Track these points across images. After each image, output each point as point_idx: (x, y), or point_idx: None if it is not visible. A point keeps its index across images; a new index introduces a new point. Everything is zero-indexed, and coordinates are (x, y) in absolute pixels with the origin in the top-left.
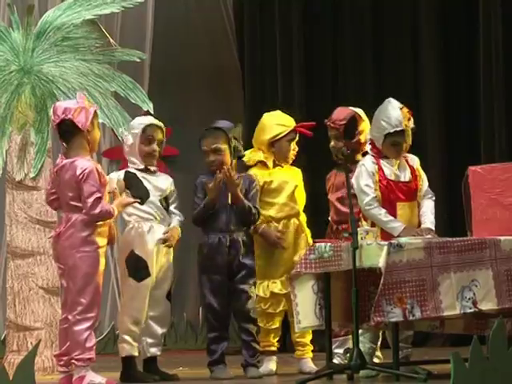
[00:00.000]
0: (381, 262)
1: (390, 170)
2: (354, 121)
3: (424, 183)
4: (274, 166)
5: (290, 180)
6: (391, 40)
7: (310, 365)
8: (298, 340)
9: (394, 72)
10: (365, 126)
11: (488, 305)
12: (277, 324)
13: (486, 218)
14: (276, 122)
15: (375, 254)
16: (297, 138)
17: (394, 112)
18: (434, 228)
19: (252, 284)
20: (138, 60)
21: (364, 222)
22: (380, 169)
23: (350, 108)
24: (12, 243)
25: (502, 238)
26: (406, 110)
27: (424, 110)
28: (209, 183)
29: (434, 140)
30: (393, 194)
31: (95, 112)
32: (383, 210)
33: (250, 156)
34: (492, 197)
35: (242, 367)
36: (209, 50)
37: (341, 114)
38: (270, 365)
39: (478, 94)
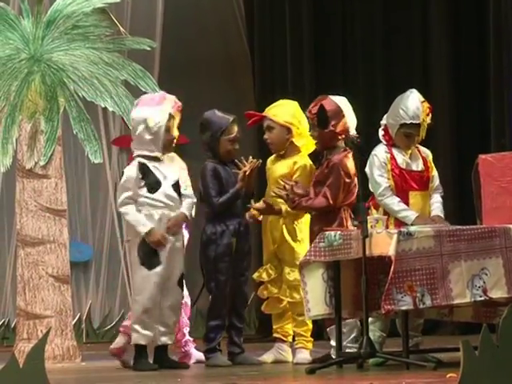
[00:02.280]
0: (391, 251)
1: (402, 158)
2: (323, 110)
3: (435, 177)
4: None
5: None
6: (401, 26)
7: (301, 356)
8: (295, 330)
9: (403, 60)
10: (347, 114)
11: (498, 293)
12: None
13: (495, 206)
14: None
15: (385, 243)
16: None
17: (414, 104)
18: (442, 215)
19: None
20: (148, 48)
21: (374, 211)
22: (392, 157)
23: (330, 97)
24: (22, 231)
25: None
26: (426, 104)
27: (434, 98)
28: (228, 171)
29: (444, 128)
30: (405, 183)
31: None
32: (396, 199)
33: None
34: (502, 185)
35: (228, 355)
36: (219, 37)
37: (314, 104)
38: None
39: (487, 83)
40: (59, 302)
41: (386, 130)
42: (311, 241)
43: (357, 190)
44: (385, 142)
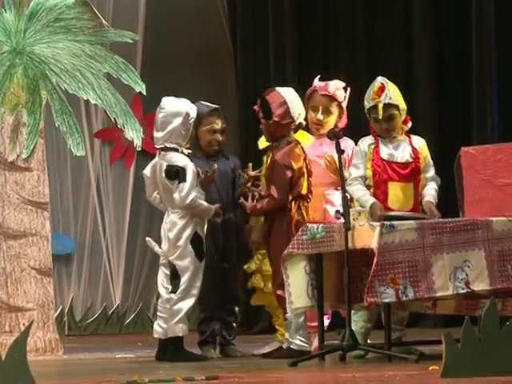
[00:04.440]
0: (373, 243)
1: (385, 149)
2: (265, 102)
3: (428, 166)
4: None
5: None
6: (383, 13)
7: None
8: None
9: (386, 46)
10: (292, 105)
11: (480, 285)
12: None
13: (478, 198)
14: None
15: (367, 235)
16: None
17: (371, 87)
18: (434, 202)
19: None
20: (131, 41)
21: (356, 203)
22: (377, 149)
23: (277, 89)
24: (4, 224)
25: (494, 218)
26: (379, 84)
27: (417, 92)
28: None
29: (426, 122)
30: (385, 174)
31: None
32: (359, 186)
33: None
34: (484, 178)
35: (219, 346)
36: (201, 29)
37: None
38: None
39: (470, 76)
40: (41, 295)
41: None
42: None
43: (303, 180)
44: (373, 134)
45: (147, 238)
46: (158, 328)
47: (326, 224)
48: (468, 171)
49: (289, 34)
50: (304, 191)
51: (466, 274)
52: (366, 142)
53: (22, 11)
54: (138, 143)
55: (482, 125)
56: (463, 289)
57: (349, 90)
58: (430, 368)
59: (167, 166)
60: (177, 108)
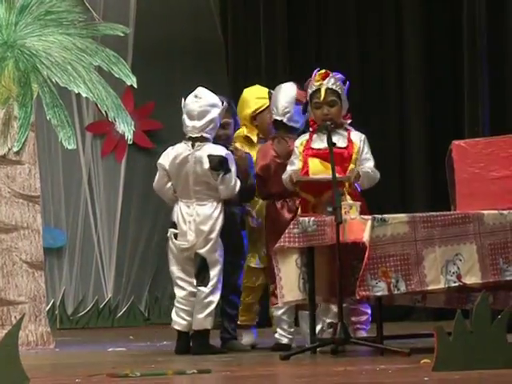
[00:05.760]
0: (365, 237)
1: (317, 141)
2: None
3: (364, 160)
4: (259, 140)
5: None
6: (375, 1)
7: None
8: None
9: (377, 36)
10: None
11: (472, 279)
12: (256, 298)
13: (469, 192)
14: (256, 96)
15: (359, 229)
16: None
17: (314, 76)
18: (361, 172)
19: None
20: (122, 34)
21: (348, 197)
22: (308, 141)
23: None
24: None
25: (486, 212)
26: (323, 70)
27: (408, 86)
28: None
29: (418, 115)
30: (310, 157)
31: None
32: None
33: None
34: (476, 171)
35: (220, 340)
36: (192, 23)
37: None
38: (249, 338)
39: (461, 70)
40: (33, 289)
41: (312, 121)
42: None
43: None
44: (310, 130)
45: (170, 230)
46: (181, 320)
47: (318, 217)
48: (459, 165)
49: (280, 28)
50: None
51: (458, 268)
52: (300, 139)
53: (13, 4)
54: (129, 136)
55: (473, 120)
56: (455, 282)
57: (348, 83)
58: (421, 361)
59: (209, 156)
60: (214, 100)
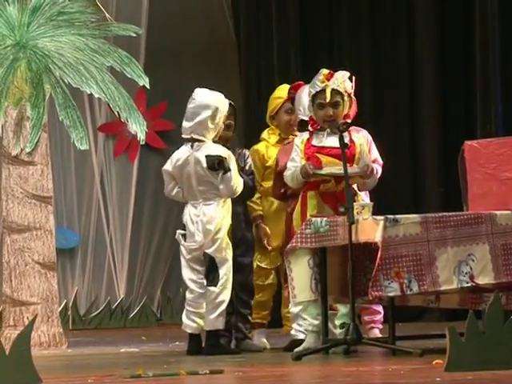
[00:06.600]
0: (377, 237)
1: (318, 139)
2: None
3: (372, 157)
4: (280, 140)
5: None
6: (388, 2)
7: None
8: (287, 315)
9: (389, 37)
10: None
11: (485, 279)
12: (266, 297)
13: (482, 192)
14: (273, 96)
15: (371, 229)
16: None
17: (317, 76)
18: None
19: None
20: (134, 35)
21: (360, 197)
22: (309, 139)
23: None
24: (8, 218)
25: (498, 212)
26: (327, 70)
27: (420, 85)
28: None
29: (430, 115)
30: (314, 157)
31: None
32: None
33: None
34: (488, 171)
35: (235, 340)
36: (205, 24)
37: None
38: (262, 338)
39: (474, 69)
40: (45, 289)
41: (312, 119)
42: None
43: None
44: (311, 129)
45: (178, 232)
46: (191, 323)
47: (330, 218)
48: (471, 165)
49: (292, 30)
50: None
51: (471, 268)
52: (301, 137)
53: (25, 5)
54: (141, 137)
55: (485, 119)
56: (467, 282)
57: (354, 78)
58: (434, 362)
59: (207, 156)
60: (207, 100)
